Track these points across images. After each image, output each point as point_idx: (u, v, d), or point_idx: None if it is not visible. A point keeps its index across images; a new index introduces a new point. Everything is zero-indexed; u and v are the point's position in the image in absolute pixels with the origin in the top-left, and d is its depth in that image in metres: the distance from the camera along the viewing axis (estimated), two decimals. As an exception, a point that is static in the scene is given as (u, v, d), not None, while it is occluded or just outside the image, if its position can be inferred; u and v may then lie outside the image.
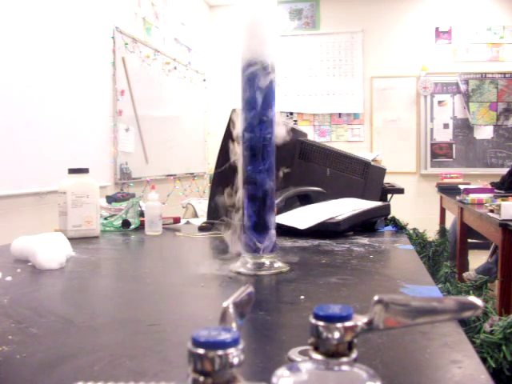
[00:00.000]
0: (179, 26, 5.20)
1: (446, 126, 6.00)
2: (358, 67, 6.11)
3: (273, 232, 0.85)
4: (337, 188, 1.42)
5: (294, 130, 1.46)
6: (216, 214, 1.37)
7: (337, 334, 0.33)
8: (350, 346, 0.34)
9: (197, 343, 0.30)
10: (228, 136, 1.33)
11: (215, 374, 0.30)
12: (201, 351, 0.30)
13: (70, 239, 1.05)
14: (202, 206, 3.75)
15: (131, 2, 4.20)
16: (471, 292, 0.88)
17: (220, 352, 0.30)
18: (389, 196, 1.75)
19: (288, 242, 1.12)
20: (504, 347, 0.56)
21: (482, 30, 5.92)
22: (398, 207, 2.10)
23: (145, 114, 4.32)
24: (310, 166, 1.44)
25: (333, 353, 0.33)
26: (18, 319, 0.60)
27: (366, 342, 0.49)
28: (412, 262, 0.92)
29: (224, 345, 0.30)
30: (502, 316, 0.62)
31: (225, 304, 0.36)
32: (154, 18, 4.62)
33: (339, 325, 0.33)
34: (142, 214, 1.42)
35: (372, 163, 1.51)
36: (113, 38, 3.84)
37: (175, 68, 5.00)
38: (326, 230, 1.17)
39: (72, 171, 1.29)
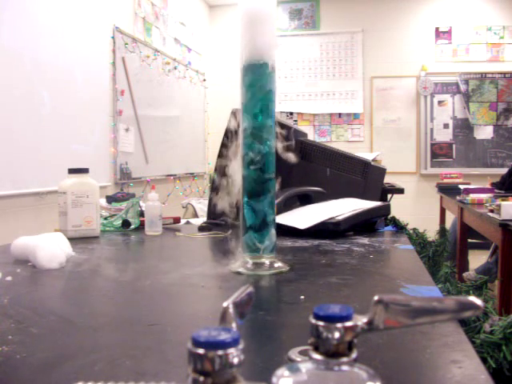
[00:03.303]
0: (179, 26, 5.20)
1: (445, 125, 6.00)
2: (358, 67, 6.11)
3: (273, 232, 0.85)
4: (337, 188, 1.42)
5: (294, 130, 1.46)
6: (216, 214, 1.37)
7: (337, 334, 0.33)
8: (350, 346, 0.34)
9: (197, 343, 0.30)
10: (228, 136, 1.33)
11: (215, 374, 0.30)
12: (201, 351, 0.30)
13: (70, 239, 1.05)
14: (201, 206, 3.76)
15: (131, 2, 4.21)
16: (471, 292, 0.88)
17: (220, 352, 0.30)
18: (389, 196, 1.75)
19: (288, 242, 1.12)
20: (504, 347, 0.56)
21: (482, 30, 5.92)
22: (398, 207, 2.10)
23: (145, 113, 4.32)
24: (310, 166, 1.44)
25: (333, 353, 0.33)
26: (18, 319, 0.60)
27: (366, 342, 0.49)
28: (412, 262, 0.92)
29: (224, 345, 0.30)
30: (502, 316, 0.62)
31: (225, 304, 0.36)
32: (154, 17, 4.61)
33: (339, 325, 0.33)
34: (142, 213, 1.42)
35: (372, 163, 1.51)
36: (113, 37, 3.84)
37: (175, 68, 5.00)
38: (326, 230, 1.16)
39: (72, 171, 1.29)
